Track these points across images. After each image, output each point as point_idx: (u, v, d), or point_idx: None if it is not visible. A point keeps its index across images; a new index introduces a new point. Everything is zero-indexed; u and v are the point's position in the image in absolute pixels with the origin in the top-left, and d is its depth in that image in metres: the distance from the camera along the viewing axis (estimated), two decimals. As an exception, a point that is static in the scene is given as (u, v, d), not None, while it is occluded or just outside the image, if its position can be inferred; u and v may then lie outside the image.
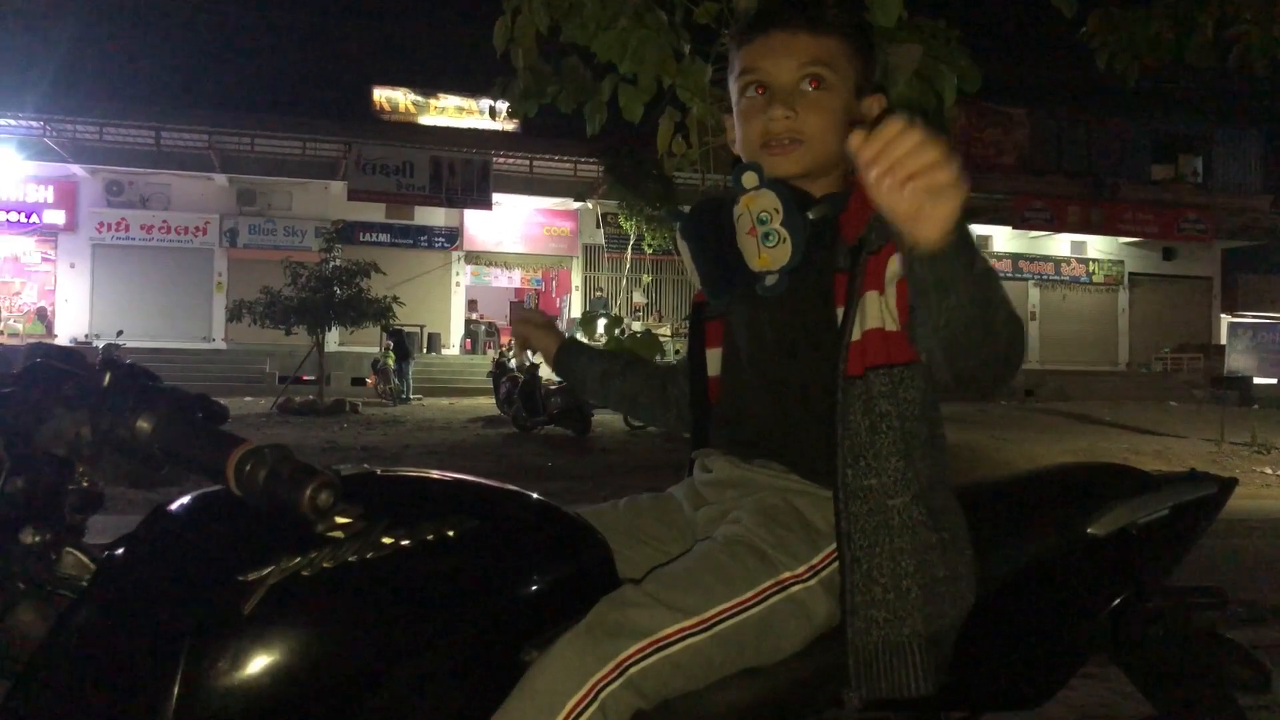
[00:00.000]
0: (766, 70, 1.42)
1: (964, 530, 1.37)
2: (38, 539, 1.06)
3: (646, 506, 1.52)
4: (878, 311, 1.32)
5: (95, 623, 1.06)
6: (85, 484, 1.13)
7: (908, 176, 0.99)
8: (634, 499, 1.54)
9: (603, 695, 1.15)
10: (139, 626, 1.06)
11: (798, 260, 1.38)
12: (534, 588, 1.23)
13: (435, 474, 1.36)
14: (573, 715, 1.13)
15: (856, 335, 1.32)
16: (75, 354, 1.16)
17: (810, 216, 1.39)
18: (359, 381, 21.70)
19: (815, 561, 1.33)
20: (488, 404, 17.83)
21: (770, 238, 1.39)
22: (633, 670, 1.17)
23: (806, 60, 1.41)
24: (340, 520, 1.03)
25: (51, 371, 1.08)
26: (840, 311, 1.35)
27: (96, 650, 1.05)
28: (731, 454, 1.49)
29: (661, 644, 1.20)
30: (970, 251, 1.08)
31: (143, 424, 1.02)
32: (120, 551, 1.12)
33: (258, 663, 1.04)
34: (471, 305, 27.81)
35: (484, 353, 24.97)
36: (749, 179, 1.41)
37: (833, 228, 1.39)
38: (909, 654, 1.27)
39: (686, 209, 1.53)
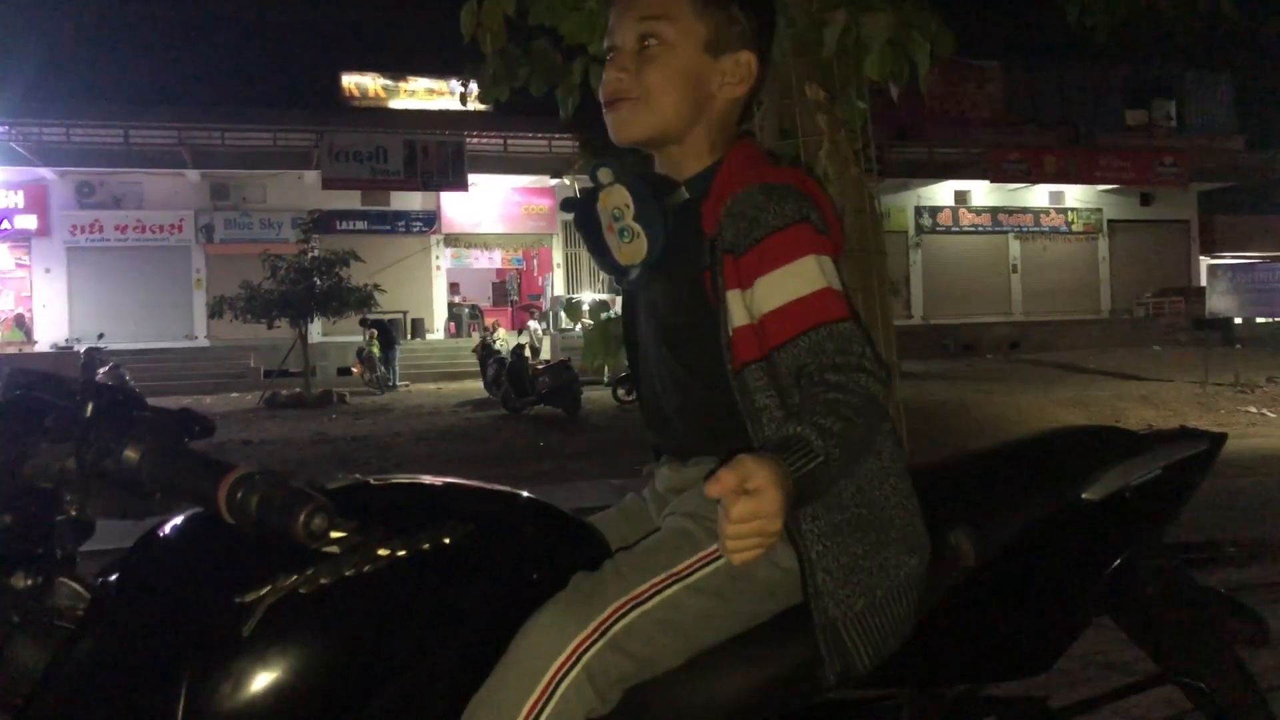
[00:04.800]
0: (612, 34, 1.40)
1: (897, 499, 1.33)
2: (29, 583, 1.04)
3: (615, 517, 1.51)
4: (741, 308, 1.30)
5: (94, 654, 1.05)
6: (74, 513, 1.11)
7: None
8: (605, 513, 1.53)
9: (586, 657, 1.16)
10: (138, 655, 1.05)
11: (655, 255, 1.35)
12: (535, 590, 1.23)
13: (428, 480, 1.35)
14: (556, 679, 1.14)
15: (729, 332, 1.31)
16: (55, 379, 1.15)
17: (671, 202, 1.36)
18: (345, 371, 21.63)
19: None
20: (475, 387, 17.82)
21: (625, 234, 1.37)
22: (614, 630, 1.18)
23: (639, 18, 1.36)
24: (335, 535, 1.02)
25: (32, 404, 1.07)
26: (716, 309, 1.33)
27: (97, 681, 1.04)
28: (671, 460, 1.47)
29: (638, 600, 1.21)
30: (819, 479, 1.15)
31: (129, 454, 1.01)
32: (114, 578, 1.11)
33: (260, 683, 1.03)
34: (453, 288, 27.73)
35: (469, 335, 24.94)
36: (603, 174, 1.39)
37: (697, 214, 1.35)
38: (842, 633, 1.27)
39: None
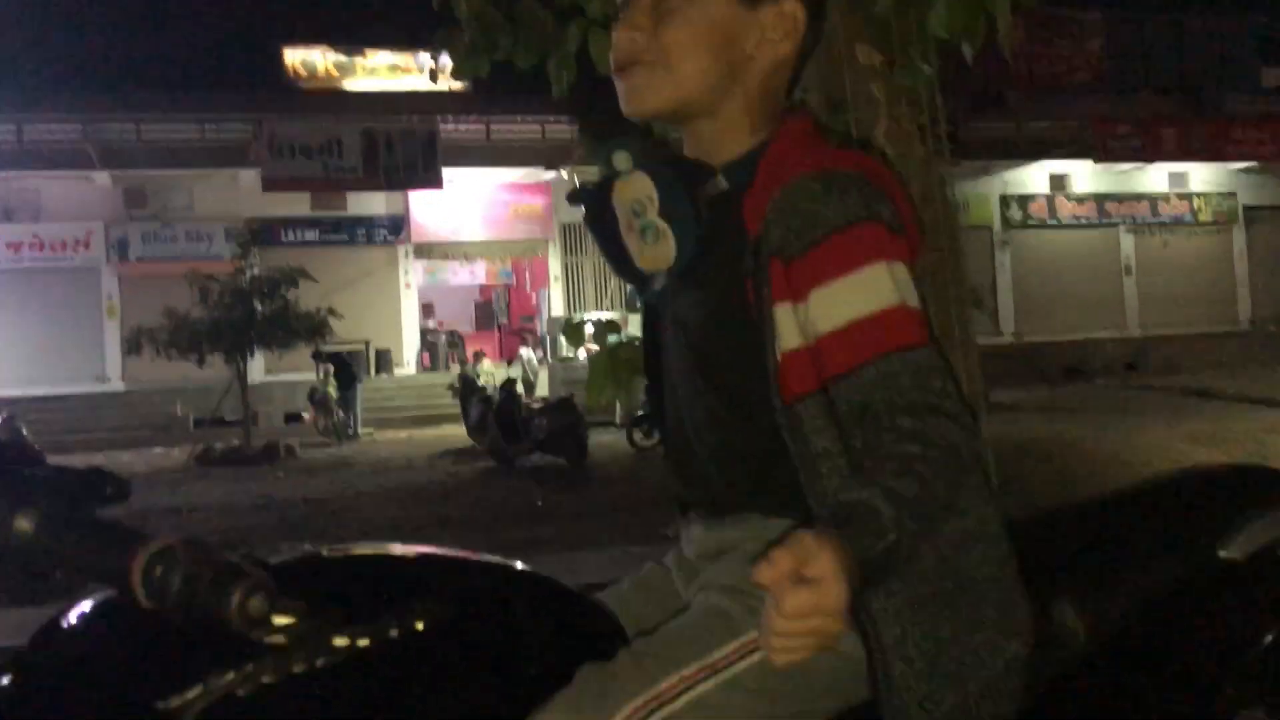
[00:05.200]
0: None
1: (990, 568, 1.33)
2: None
3: (631, 593, 1.52)
4: (793, 327, 1.29)
5: None
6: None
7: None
8: (618, 587, 1.53)
9: None
10: None
11: (686, 259, 1.35)
12: (532, 687, 1.23)
13: (396, 549, 1.35)
14: None
15: (777, 358, 1.29)
16: (-69, 435, 1.15)
17: (705, 193, 1.36)
18: (294, 418, 21.73)
19: None
20: (457, 433, 17.84)
21: (648, 233, 1.37)
22: None
23: None
24: (280, 621, 1.02)
25: (-98, 465, 1.07)
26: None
27: None
28: (705, 517, 1.47)
29: (662, 699, 1.21)
30: (890, 560, 1.13)
31: (22, 523, 1.02)
32: (5, 682, 1.11)
33: None
34: (427, 310, 27.86)
35: (446, 368, 25.02)
36: (620, 160, 1.39)
37: (737, 207, 1.35)
38: None
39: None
